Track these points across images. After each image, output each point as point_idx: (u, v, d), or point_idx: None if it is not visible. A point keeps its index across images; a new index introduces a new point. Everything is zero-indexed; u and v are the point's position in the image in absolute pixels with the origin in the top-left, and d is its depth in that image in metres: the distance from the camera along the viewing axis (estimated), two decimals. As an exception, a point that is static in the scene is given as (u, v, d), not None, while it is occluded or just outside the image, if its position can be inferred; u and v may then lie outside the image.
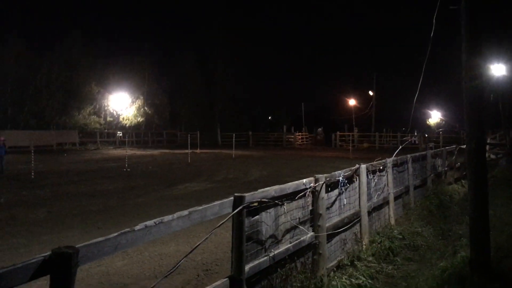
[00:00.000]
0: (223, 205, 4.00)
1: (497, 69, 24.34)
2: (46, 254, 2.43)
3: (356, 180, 7.24)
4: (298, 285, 5.01)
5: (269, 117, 69.23)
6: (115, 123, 45.78)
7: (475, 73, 5.52)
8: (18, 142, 32.88)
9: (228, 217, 4.01)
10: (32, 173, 16.47)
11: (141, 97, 47.05)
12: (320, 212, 5.71)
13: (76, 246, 2.55)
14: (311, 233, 5.58)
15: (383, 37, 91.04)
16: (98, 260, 2.99)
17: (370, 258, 6.66)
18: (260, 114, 64.62)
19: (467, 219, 6.81)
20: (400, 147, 9.07)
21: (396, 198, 9.38)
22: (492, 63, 23.14)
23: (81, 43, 42.39)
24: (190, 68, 50.74)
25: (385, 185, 8.70)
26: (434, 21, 6.58)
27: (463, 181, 14.61)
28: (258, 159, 28.05)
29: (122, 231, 2.96)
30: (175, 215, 3.45)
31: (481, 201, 5.56)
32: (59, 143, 37.12)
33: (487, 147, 21.68)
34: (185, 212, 3.56)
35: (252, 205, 4.36)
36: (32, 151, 19.10)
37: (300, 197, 5.36)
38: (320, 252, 5.66)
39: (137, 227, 3.08)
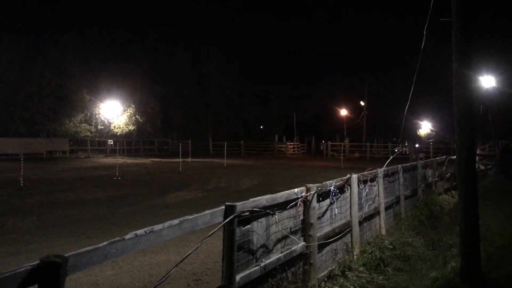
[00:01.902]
0: (214, 214, 3.98)
1: (486, 81, 24.65)
2: (35, 263, 2.40)
3: (347, 190, 7.25)
4: (289, 295, 4.98)
5: (261, 126, 69.40)
6: (106, 131, 45.50)
7: (465, 83, 5.58)
8: (8, 149, 32.51)
9: (219, 226, 4.00)
10: (21, 181, 16.29)
11: (133, 105, 46.83)
12: (312, 221, 5.70)
13: (65, 255, 2.52)
14: (302, 243, 5.57)
15: (375, 46, 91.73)
16: (87, 269, 2.96)
17: (361, 268, 6.65)
18: (252, 120, 64.83)
19: (457, 230, 6.84)
20: (391, 157, 9.13)
21: (387, 208, 9.41)
22: (482, 74, 23.44)
23: (72, 50, 42.22)
24: (183, 72, 50.96)
25: (376, 195, 8.73)
26: (424, 32, 6.67)
27: (453, 191, 14.70)
28: (250, 168, 28.03)
29: (112, 240, 2.94)
30: (166, 224, 3.43)
31: (471, 211, 5.59)
32: (49, 151, 36.73)
33: (477, 158, 21.85)
34: (176, 221, 3.53)
35: (244, 214, 4.34)
36: (22, 159, 18.91)
37: (292, 207, 5.36)
38: (311, 262, 5.64)
39: (127, 236, 3.05)
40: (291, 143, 49.89)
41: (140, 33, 73.20)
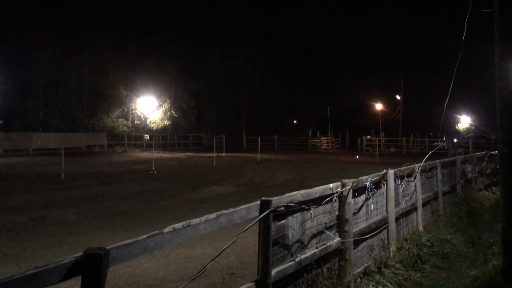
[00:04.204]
0: (250, 209, 3.99)
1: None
2: (78, 255, 2.46)
3: (384, 185, 7.13)
4: (325, 291, 4.96)
5: (294, 121, 69.16)
6: (142, 126, 46.46)
7: (508, 76, 5.39)
8: (49, 144, 33.76)
9: (255, 221, 4.01)
10: (62, 175, 16.85)
11: (168, 101, 47.62)
12: (347, 217, 5.64)
13: (107, 247, 2.58)
14: (337, 239, 5.52)
15: (412, 39, 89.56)
16: (128, 261, 3.02)
17: (398, 265, 6.54)
18: (284, 114, 64.68)
19: (498, 227, 6.63)
20: (430, 152, 8.90)
21: (424, 204, 9.20)
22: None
23: (109, 47, 43.19)
24: (215, 68, 51.25)
25: (413, 191, 8.55)
26: (466, 24, 6.45)
27: (493, 187, 14.24)
28: (283, 163, 27.99)
29: (151, 233, 2.99)
30: (203, 218, 3.46)
31: (514, 208, 5.40)
32: (88, 145, 37.90)
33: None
34: (213, 216, 3.56)
35: (279, 209, 4.34)
36: (62, 153, 19.56)
37: (327, 202, 5.32)
38: (347, 258, 5.59)
39: (166, 230, 3.10)
40: (325, 137, 49.43)
41: (175, 29, 74.02)
